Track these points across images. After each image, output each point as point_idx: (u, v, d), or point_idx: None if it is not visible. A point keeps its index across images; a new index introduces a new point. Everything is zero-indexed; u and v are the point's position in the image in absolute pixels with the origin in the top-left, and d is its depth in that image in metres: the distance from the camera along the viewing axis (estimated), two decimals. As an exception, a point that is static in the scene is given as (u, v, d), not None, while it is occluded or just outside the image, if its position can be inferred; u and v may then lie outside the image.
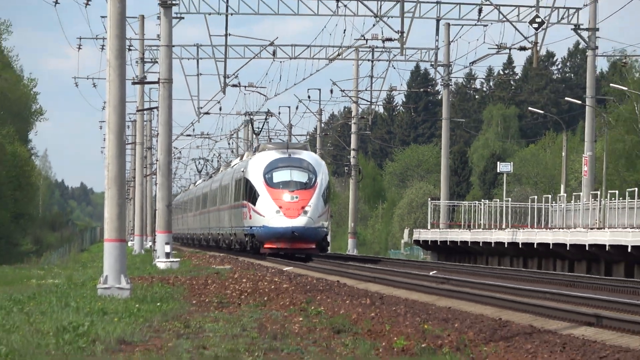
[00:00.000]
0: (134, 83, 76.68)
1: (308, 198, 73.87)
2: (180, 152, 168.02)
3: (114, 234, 37.70)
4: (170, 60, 62.58)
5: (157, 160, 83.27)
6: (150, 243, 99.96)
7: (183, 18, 69.25)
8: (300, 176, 76.92)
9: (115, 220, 37.97)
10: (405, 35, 67.91)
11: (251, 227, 78.33)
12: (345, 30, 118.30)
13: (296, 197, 73.84)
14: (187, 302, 34.07)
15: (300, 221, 72.34)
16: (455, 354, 19.74)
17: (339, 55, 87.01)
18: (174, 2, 58.28)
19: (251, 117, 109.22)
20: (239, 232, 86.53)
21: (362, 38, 77.18)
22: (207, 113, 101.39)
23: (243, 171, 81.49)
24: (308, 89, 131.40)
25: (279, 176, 77.59)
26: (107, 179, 38.54)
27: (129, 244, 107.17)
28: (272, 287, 41.03)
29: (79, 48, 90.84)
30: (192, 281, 45.07)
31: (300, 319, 28.24)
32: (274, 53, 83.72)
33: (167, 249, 61.34)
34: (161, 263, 59.44)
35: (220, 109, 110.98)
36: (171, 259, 60.31)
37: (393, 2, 64.83)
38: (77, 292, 36.01)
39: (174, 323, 26.29)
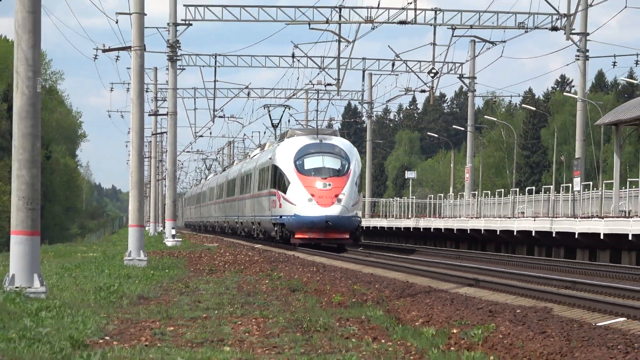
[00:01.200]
0: (150, 115, 75.50)
1: (342, 185, 53.67)
2: (182, 163, 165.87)
3: (135, 221, 38.60)
4: (175, 99, 61.85)
5: (165, 170, 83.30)
6: (160, 228, 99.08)
7: (184, 69, 68.78)
8: (332, 162, 55.74)
9: (136, 212, 38.91)
10: (340, 81, 67.43)
11: (281, 216, 55.98)
12: (298, 78, 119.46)
13: (329, 185, 53.65)
14: (187, 270, 33.76)
15: (334, 210, 52.38)
16: (376, 306, 19.23)
17: (294, 95, 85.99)
18: (177, 58, 57.87)
19: (269, 109, 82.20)
20: (264, 220, 62.29)
21: (310, 83, 75.95)
22: (201, 136, 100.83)
23: (270, 158, 58.46)
24: (272, 120, 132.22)
25: (311, 163, 56.19)
26: (131, 182, 39.92)
27: (146, 228, 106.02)
28: (247, 259, 40.56)
29: (111, 90, 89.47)
30: (190, 255, 44.42)
31: (267, 281, 27.83)
32: (248, 94, 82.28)
33: (173, 232, 60.62)
34: (169, 242, 58.72)
35: (210, 133, 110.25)
36: (175, 239, 59.54)
37: (332, 58, 64.54)
38: (109, 262, 35.66)
39: (178, 284, 25.95)
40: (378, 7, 54.02)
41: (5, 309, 16.20)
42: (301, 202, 52.06)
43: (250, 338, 14.77)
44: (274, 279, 28.62)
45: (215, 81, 74.42)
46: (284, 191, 53.34)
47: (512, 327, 14.83)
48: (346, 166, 53.10)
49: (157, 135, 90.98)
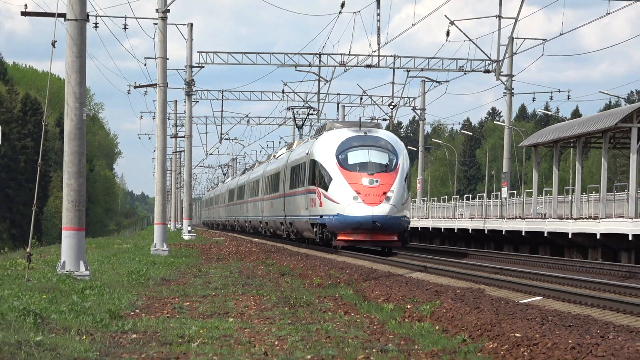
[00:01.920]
0: (170, 137, 75.17)
1: (390, 182, 39.54)
2: (196, 175, 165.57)
3: (160, 220, 38.45)
4: (191, 125, 61.29)
5: (183, 180, 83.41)
6: (179, 225, 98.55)
7: (198, 101, 68.50)
8: (379, 157, 41.31)
9: (160, 212, 38.74)
10: (320, 111, 67.38)
11: (321, 216, 40.86)
12: (287, 109, 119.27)
13: (376, 182, 39.51)
14: (200, 258, 33.41)
15: (382, 209, 38.39)
16: (347, 286, 19.17)
17: (284, 123, 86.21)
18: (192, 93, 57.55)
19: (293, 110, 70.28)
20: (299, 220, 46.18)
21: (296, 113, 76.31)
22: (211, 154, 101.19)
23: (308, 153, 44.03)
24: (266, 141, 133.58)
25: (355, 157, 41.38)
26: (156, 190, 39.92)
27: (168, 225, 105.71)
28: (247, 250, 40.10)
29: (141, 117, 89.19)
30: (202, 246, 43.97)
31: (262, 267, 27.58)
32: (248, 121, 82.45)
33: (189, 228, 59.82)
34: (185, 236, 57.90)
35: (218, 151, 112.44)
36: (191, 234, 58.85)
37: (313, 93, 64.50)
38: (139, 252, 35.04)
39: (192, 269, 25.79)
40: (349, 54, 53.97)
41: (58, 288, 16.27)
42: (345, 200, 37.75)
43: (249, 311, 14.78)
44: (267, 265, 28.30)
45: (222, 111, 74.10)
46: (325, 188, 38.68)
47: (453, 304, 14.92)
48: (394, 161, 39.25)
49: (177, 153, 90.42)
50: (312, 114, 68.54)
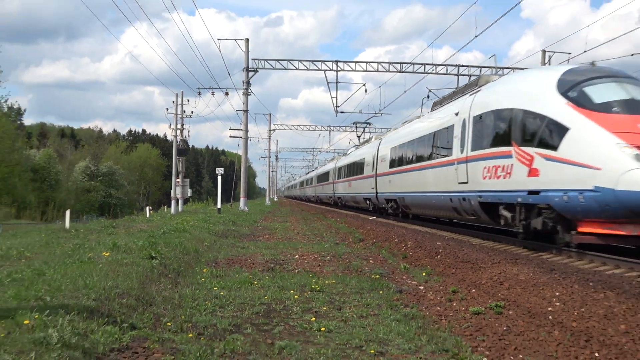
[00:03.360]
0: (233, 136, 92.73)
1: None
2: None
3: (243, 195, 57.25)
4: (247, 119, 60.12)
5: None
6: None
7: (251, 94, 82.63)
8: None
9: (244, 191, 57.29)
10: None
11: (537, 192, 17.84)
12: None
13: None
14: (259, 217, 44.94)
15: None
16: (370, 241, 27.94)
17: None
18: (248, 93, 56.35)
19: (356, 124, 65.29)
20: (475, 197, 21.96)
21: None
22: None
23: (457, 114, 24.20)
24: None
25: (606, 92, 17.50)
26: (241, 189, 57.54)
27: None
28: (279, 216, 49.50)
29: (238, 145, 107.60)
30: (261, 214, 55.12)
31: (322, 221, 40.24)
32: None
33: (246, 204, 61.53)
34: (245, 207, 61.53)
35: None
36: (246, 208, 59.50)
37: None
38: (237, 211, 52.08)
39: (265, 221, 41.42)
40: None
41: (238, 214, 45.50)
42: (616, 162, 15.80)
43: (307, 248, 21.53)
44: (359, 240, 25.43)
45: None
46: (555, 146, 17.63)
47: (416, 244, 20.05)
48: None
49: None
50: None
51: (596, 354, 8.53)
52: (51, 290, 10.56)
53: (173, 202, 56.18)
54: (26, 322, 8.51)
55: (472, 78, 40.35)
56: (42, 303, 9.75)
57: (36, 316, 8.71)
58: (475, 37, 32.11)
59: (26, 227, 41.91)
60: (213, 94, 57.10)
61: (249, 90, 54.62)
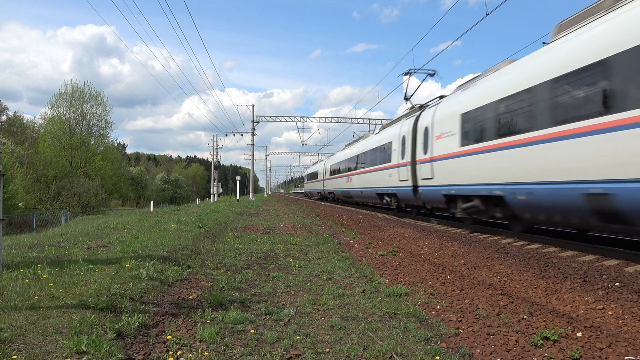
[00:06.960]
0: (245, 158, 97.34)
1: None
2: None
3: (252, 191, 71.82)
4: (253, 151, 77.09)
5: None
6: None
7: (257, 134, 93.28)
8: None
9: (251, 190, 72.54)
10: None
11: (394, 187, 25.51)
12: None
13: None
14: (261, 204, 55.55)
15: None
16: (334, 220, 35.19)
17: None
18: (254, 134, 74.31)
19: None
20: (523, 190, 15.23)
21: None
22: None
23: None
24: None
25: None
26: (251, 188, 73.01)
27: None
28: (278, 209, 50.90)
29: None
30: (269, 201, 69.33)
31: (312, 215, 40.36)
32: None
33: (253, 196, 77.54)
34: (253, 198, 75.96)
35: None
36: (253, 199, 73.13)
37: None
38: (247, 200, 64.28)
39: (266, 206, 50.93)
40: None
41: (248, 201, 53.39)
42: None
43: (287, 220, 27.71)
44: (316, 215, 34.22)
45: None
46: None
47: (412, 232, 20.01)
48: None
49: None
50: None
51: (448, 277, 12.69)
52: (142, 247, 13.92)
53: (212, 196, 70.74)
54: (127, 265, 11.11)
55: (377, 126, 55.75)
56: (136, 254, 12.48)
57: (133, 262, 11.43)
58: (378, 102, 46.87)
59: (128, 211, 51.19)
60: (234, 135, 78.62)
61: (254, 133, 72.90)
